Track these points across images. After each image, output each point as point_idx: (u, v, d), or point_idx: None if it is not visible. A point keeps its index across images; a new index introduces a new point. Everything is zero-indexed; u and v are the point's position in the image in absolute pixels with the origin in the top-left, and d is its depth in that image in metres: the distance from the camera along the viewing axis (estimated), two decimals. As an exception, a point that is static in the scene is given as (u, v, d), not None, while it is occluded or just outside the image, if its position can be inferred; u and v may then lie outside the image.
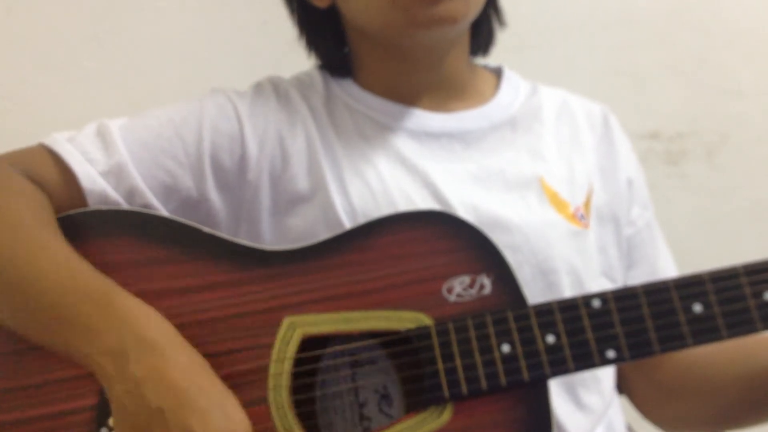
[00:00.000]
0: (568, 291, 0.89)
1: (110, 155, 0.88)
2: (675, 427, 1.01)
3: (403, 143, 0.93)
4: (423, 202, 0.89)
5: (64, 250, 0.80)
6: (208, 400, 0.70)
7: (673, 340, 0.74)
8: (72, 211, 0.86)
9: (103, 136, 0.90)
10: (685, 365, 0.96)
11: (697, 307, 0.74)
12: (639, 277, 1.00)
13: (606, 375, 0.95)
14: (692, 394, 0.96)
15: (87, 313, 0.74)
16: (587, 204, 0.96)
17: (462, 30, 0.95)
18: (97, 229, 0.85)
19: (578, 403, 0.90)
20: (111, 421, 0.77)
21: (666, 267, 1.02)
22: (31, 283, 0.77)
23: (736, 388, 0.92)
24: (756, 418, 0.92)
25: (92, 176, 0.87)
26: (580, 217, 0.94)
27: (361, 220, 0.87)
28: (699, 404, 0.96)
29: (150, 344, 0.72)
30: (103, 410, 0.77)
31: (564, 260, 0.90)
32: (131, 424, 0.71)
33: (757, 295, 0.73)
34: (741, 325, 0.74)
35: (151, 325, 0.74)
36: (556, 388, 0.87)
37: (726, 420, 0.95)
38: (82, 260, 0.80)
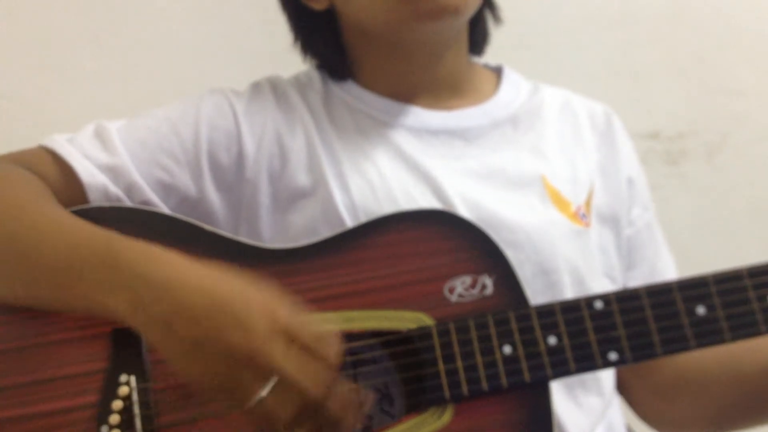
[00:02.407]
0: (569, 290, 0.89)
1: (109, 153, 0.89)
2: (671, 428, 1.01)
3: (403, 140, 0.94)
4: (423, 198, 0.90)
5: (64, 215, 0.81)
6: (236, 311, 0.68)
7: (676, 343, 0.74)
8: (74, 208, 0.86)
9: (101, 136, 0.91)
10: (679, 367, 0.96)
11: (701, 310, 0.74)
12: (638, 277, 1.00)
13: (606, 375, 0.95)
14: (687, 396, 0.96)
15: (94, 271, 0.74)
16: (588, 203, 0.96)
17: (461, 25, 0.95)
18: (98, 226, 0.85)
19: (578, 402, 0.90)
20: (112, 419, 0.77)
21: (666, 268, 1.02)
22: (35, 250, 0.78)
23: (730, 390, 0.92)
24: (751, 420, 0.93)
25: (91, 171, 0.87)
26: (582, 216, 0.94)
27: (362, 215, 0.88)
28: (694, 406, 0.96)
29: (163, 282, 0.71)
30: (104, 407, 0.77)
31: (565, 259, 0.90)
32: (181, 364, 0.70)
33: (762, 297, 0.73)
34: (745, 327, 0.74)
35: (157, 263, 0.73)
36: (556, 387, 0.87)
37: (721, 422, 0.95)
38: (80, 220, 0.80)
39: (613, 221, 0.98)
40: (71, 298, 0.76)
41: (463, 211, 0.88)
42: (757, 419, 0.92)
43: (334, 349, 0.70)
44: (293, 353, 0.67)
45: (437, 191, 0.90)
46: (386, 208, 0.86)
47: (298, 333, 0.68)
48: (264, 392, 0.67)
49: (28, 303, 0.80)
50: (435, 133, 0.94)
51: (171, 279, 0.71)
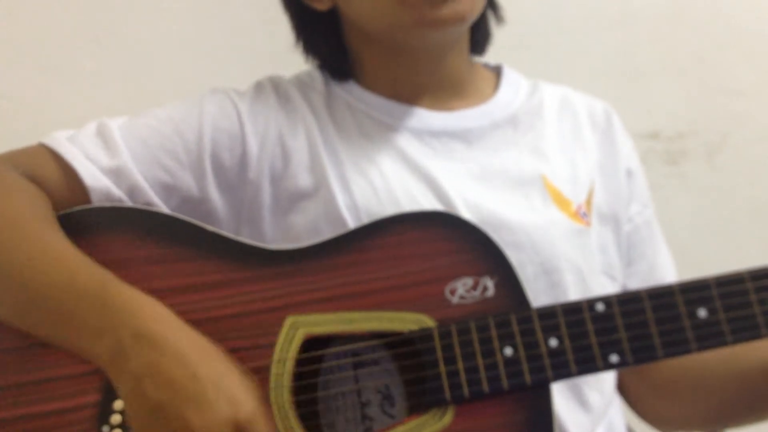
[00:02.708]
0: (571, 289, 0.89)
1: (111, 154, 0.89)
2: (670, 426, 1.01)
3: (405, 142, 0.94)
4: (425, 199, 0.90)
5: (62, 246, 0.80)
6: (205, 388, 0.70)
7: (677, 345, 0.74)
8: (76, 208, 0.86)
9: (103, 135, 0.90)
10: (678, 365, 0.96)
11: (702, 312, 0.74)
12: (637, 275, 1.00)
13: (607, 374, 0.95)
14: (686, 393, 0.96)
15: (84, 314, 0.75)
16: (588, 202, 0.96)
17: (459, 32, 0.95)
18: (100, 227, 0.85)
19: (579, 401, 0.90)
20: (113, 419, 0.77)
21: (665, 266, 1.02)
22: (31, 282, 0.78)
23: (728, 387, 0.92)
24: (751, 417, 0.93)
25: (95, 174, 0.87)
26: (583, 215, 0.94)
27: (364, 216, 0.88)
28: (693, 404, 0.96)
29: (147, 338, 0.72)
30: (105, 408, 0.77)
31: (567, 259, 0.90)
32: (140, 423, 0.71)
33: (763, 301, 0.73)
34: (746, 330, 0.73)
35: (146, 316, 0.74)
36: (557, 388, 0.87)
37: (720, 419, 0.96)
38: (80, 255, 0.80)
39: (613, 220, 0.98)
40: (58, 335, 0.77)
41: (465, 213, 0.88)
42: (757, 416, 0.92)
43: None
44: None
45: (439, 193, 0.90)
46: (388, 210, 0.86)
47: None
48: None
49: (13, 324, 0.80)
50: (436, 134, 0.94)
51: (157, 337, 0.72)
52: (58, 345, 0.78)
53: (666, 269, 1.02)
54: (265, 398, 0.77)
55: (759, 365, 0.89)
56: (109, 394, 0.78)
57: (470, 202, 0.90)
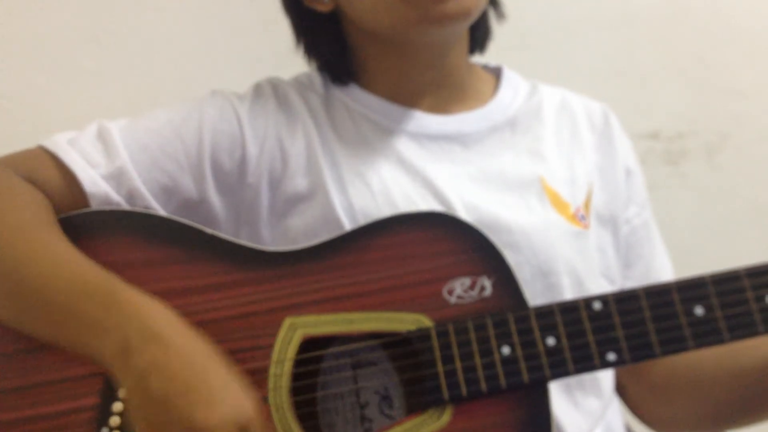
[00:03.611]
0: (568, 292, 0.89)
1: (111, 159, 0.89)
2: (668, 427, 1.01)
3: (402, 145, 0.94)
4: (423, 201, 0.90)
5: (65, 248, 0.81)
6: (211, 388, 0.70)
7: (675, 343, 0.74)
8: (74, 212, 0.86)
9: (103, 138, 0.90)
10: (674, 365, 0.96)
11: (699, 310, 0.74)
12: (635, 276, 1.00)
13: (605, 376, 0.95)
14: (682, 394, 0.96)
15: (91, 312, 0.75)
16: (587, 204, 0.96)
17: (463, 29, 0.95)
18: (99, 230, 0.85)
19: (577, 404, 0.90)
20: (112, 421, 0.77)
21: (662, 267, 1.02)
22: (35, 285, 0.78)
23: (724, 387, 0.92)
24: (748, 418, 0.93)
25: (94, 179, 0.87)
26: (581, 218, 0.94)
27: (361, 219, 0.87)
28: (690, 404, 0.96)
29: (152, 335, 0.72)
30: (104, 410, 0.77)
31: (565, 261, 0.90)
32: (143, 417, 0.71)
33: (760, 298, 0.73)
34: (743, 328, 0.74)
35: (153, 316, 0.74)
36: (555, 388, 0.87)
37: (718, 420, 0.95)
38: (84, 258, 0.80)
39: (611, 222, 0.98)
40: (60, 334, 0.77)
41: (463, 214, 0.88)
42: (752, 417, 0.92)
43: None
44: None
45: (437, 195, 0.90)
46: (385, 212, 0.86)
47: None
48: None
49: (15, 328, 0.80)
50: (434, 138, 0.94)
51: (163, 336, 0.73)
52: (62, 346, 0.78)
53: (663, 270, 1.02)
54: (263, 399, 0.77)
55: (751, 364, 0.89)
56: (108, 396, 0.78)
57: (468, 203, 0.90)
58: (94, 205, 0.87)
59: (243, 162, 0.92)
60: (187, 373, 0.71)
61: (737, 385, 0.90)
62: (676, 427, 1.00)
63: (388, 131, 0.95)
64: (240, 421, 0.70)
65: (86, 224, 0.86)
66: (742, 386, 0.90)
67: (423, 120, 0.95)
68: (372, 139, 0.94)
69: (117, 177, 0.88)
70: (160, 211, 0.89)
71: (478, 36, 1.02)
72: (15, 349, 0.80)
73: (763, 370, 0.88)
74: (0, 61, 1.39)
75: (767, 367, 0.88)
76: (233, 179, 0.92)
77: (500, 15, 1.01)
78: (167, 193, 0.90)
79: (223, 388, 0.71)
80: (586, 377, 0.91)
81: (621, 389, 1.00)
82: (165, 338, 0.72)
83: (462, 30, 0.94)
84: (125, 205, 0.88)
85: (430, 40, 0.93)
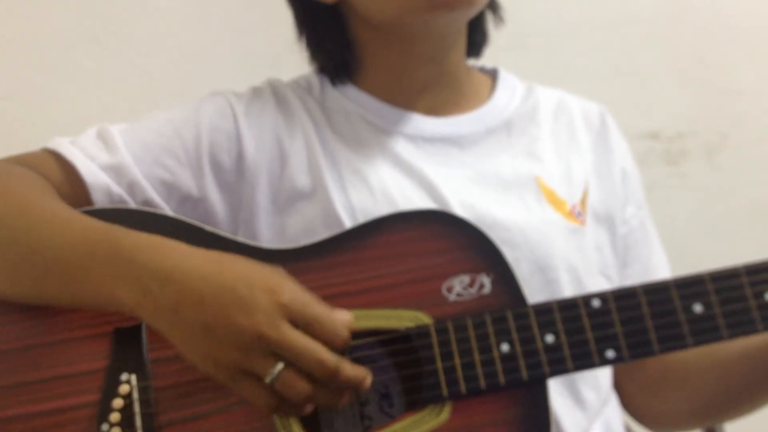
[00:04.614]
0: (566, 288, 0.89)
1: (111, 154, 0.90)
2: (661, 424, 1.01)
3: (400, 147, 0.94)
4: (421, 200, 0.90)
5: (68, 211, 0.82)
6: (240, 296, 0.70)
7: (673, 340, 0.74)
8: (80, 209, 0.86)
9: (103, 137, 0.92)
10: (664, 362, 0.96)
11: (698, 307, 0.74)
12: (632, 276, 1.00)
13: (603, 372, 0.95)
14: (671, 389, 0.96)
15: (100, 265, 0.76)
16: (583, 202, 0.96)
17: (468, 18, 0.94)
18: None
19: (575, 399, 0.90)
20: (112, 417, 0.77)
21: (659, 267, 1.03)
22: (45, 246, 0.79)
23: (709, 380, 0.93)
24: (735, 410, 0.94)
25: (94, 171, 0.88)
26: (577, 214, 0.94)
27: (361, 218, 0.88)
28: (679, 399, 0.96)
29: (165, 274, 0.73)
30: (104, 406, 0.77)
31: (562, 257, 0.90)
32: (193, 352, 0.72)
33: (758, 295, 0.73)
34: (742, 325, 0.73)
35: (158, 255, 0.74)
36: (553, 385, 0.87)
37: (707, 413, 0.97)
38: (87, 216, 0.81)
39: (608, 220, 0.98)
40: (78, 293, 0.78)
41: (460, 213, 0.88)
42: (739, 408, 0.93)
43: (340, 320, 0.71)
44: (299, 329, 0.69)
45: (434, 194, 0.90)
46: (385, 210, 0.86)
47: (301, 309, 0.70)
48: (277, 369, 0.68)
49: (35, 299, 0.81)
50: (430, 140, 0.95)
51: (175, 267, 0.73)
52: (81, 306, 0.79)
53: (660, 270, 1.02)
54: None
55: (735, 355, 0.89)
56: (109, 393, 0.78)
57: (464, 202, 0.90)
58: (96, 198, 0.88)
59: (240, 159, 0.92)
60: (209, 290, 0.71)
61: (720, 376, 0.91)
62: (669, 423, 1.01)
63: (385, 133, 0.95)
64: (282, 302, 0.69)
65: None
66: (725, 377, 0.91)
67: (419, 122, 0.96)
68: (370, 141, 0.94)
69: (117, 169, 0.89)
70: (162, 206, 0.90)
71: (476, 40, 1.02)
72: (15, 345, 0.80)
73: (741, 359, 0.88)
74: (0, 61, 1.40)
75: (743, 358, 0.88)
76: (232, 176, 0.92)
77: (499, 20, 1.02)
78: (168, 187, 0.91)
79: (248, 285, 0.70)
80: (585, 373, 0.91)
81: (618, 388, 1.00)
82: (175, 271, 0.72)
83: (466, 19, 0.94)
84: (127, 198, 0.89)
85: (434, 32, 0.92)
